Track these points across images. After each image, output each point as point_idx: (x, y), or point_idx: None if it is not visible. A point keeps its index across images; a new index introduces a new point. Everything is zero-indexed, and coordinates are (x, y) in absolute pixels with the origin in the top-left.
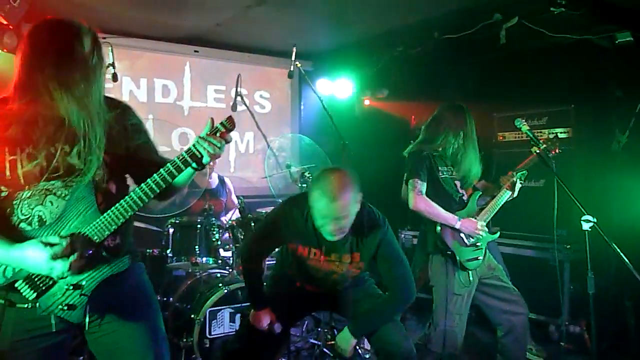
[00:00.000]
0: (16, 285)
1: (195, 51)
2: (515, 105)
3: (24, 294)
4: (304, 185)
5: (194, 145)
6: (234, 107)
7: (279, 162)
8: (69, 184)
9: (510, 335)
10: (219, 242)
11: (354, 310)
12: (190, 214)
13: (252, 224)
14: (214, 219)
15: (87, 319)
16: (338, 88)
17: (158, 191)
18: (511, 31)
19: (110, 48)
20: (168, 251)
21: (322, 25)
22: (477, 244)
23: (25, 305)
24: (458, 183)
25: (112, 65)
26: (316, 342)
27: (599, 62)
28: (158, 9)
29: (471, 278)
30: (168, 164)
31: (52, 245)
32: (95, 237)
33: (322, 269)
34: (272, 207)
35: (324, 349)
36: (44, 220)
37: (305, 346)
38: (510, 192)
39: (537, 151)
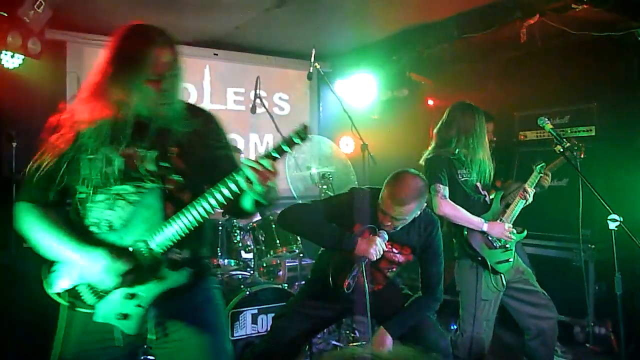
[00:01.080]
0: (77, 288)
1: (214, 54)
2: (536, 103)
3: (84, 298)
4: (324, 187)
5: (243, 166)
6: (253, 110)
7: (299, 163)
8: (140, 189)
9: (538, 339)
10: (240, 244)
11: (386, 311)
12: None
13: (273, 226)
14: (235, 220)
15: (149, 333)
16: (357, 88)
17: (213, 208)
18: (532, 29)
19: None
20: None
21: (340, 27)
22: (506, 245)
23: (85, 310)
24: (479, 185)
25: None
26: (338, 343)
27: (622, 59)
28: (177, 13)
29: (503, 282)
30: (216, 185)
31: (115, 259)
32: (158, 248)
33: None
34: None
35: None
36: (112, 225)
37: (327, 348)
38: (524, 200)
39: (561, 150)
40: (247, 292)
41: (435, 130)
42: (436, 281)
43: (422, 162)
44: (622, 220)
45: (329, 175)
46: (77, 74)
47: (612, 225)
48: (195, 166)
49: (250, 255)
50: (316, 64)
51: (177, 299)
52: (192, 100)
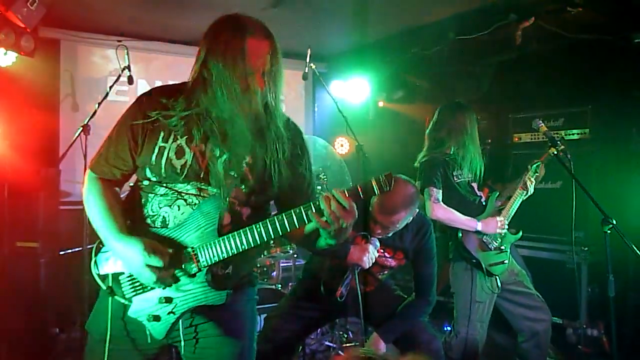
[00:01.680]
0: (120, 278)
1: None
2: (531, 106)
3: (123, 288)
4: (319, 187)
5: (319, 197)
6: None
7: None
8: (202, 192)
9: (532, 341)
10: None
11: (378, 313)
12: None
13: None
14: None
15: (182, 332)
16: (352, 89)
17: (274, 236)
18: (527, 32)
19: (125, 51)
20: None
21: (336, 27)
22: (502, 247)
23: (122, 300)
24: (475, 185)
25: (128, 68)
26: (331, 344)
27: (616, 62)
28: (172, 12)
29: (498, 284)
30: (284, 214)
31: (150, 253)
32: (203, 261)
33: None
34: None
35: (339, 352)
36: (167, 223)
37: (320, 349)
38: (525, 191)
39: (555, 152)
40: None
41: (427, 132)
42: (429, 284)
43: (416, 164)
44: (615, 223)
45: (323, 176)
46: (70, 72)
47: (605, 228)
48: (265, 183)
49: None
50: (312, 64)
51: (211, 310)
52: None
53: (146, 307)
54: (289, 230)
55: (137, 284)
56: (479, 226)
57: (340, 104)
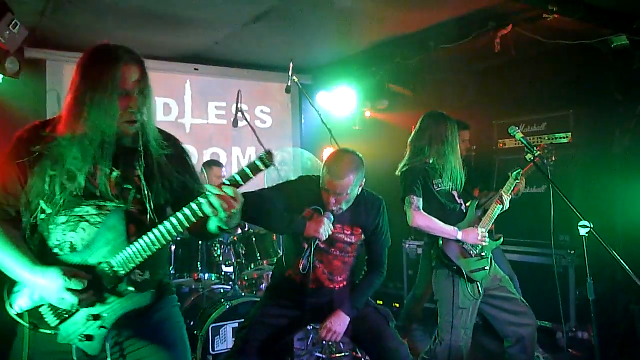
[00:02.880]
0: (40, 310)
1: (195, 69)
2: (514, 112)
3: (46, 319)
4: None
5: (204, 197)
6: (235, 123)
7: (281, 175)
8: (103, 211)
9: (517, 346)
10: (221, 258)
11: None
12: None
13: (254, 239)
14: None
15: (109, 353)
16: (338, 100)
17: (176, 233)
18: (506, 39)
19: None
20: (170, 268)
21: (319, 40)
22: (482, 253)
23: (48, 332)
24: (455, 193)
25: None
26: (321, 355)
27: (596, 66)
28: (157, 29)
29: (479, 290)
30: (179, 212)
31: (70, 277)
32: (120, 270)
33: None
34: None
35: None
36: (75, 247)
37: (310, 359)
38: (501, 206)
39: (532, 159)
40: (228, 306)
41: (409, 140)
42: (382, 257)
43: (398, 173)
44: (592, 226)
45: None
46: (57, 92)
47: (583, 232)
48: (159, 189)
49: (231, 269)
50: (295, 77)
51: (137, 319)
52: (173, 115)
53: (76, 330)
54: (188, 225)
55: (61, 311)
56: (460, 235)
57: (326, 115)
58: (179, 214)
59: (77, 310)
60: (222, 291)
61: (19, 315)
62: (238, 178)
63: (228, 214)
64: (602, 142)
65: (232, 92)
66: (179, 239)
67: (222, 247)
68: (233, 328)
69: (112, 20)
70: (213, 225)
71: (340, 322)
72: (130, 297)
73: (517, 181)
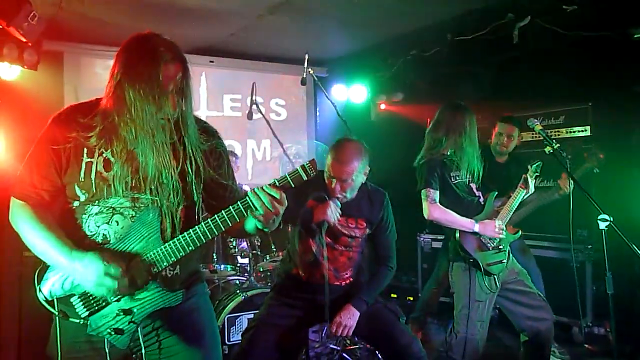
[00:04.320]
0: (71, 299)
1: (210, 61)
2: (531, 104)
3: (77, 310)
4: None
5: (251, 193)
6: (249, 116)
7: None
8: (137, 204)
9: (534, 341)
10: (236, 250)
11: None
12: None
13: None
14: None
15: (142, 344)
16: (353, 93)
17: (217, 233)
18: (524, 30)
19: None
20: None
21: (335, 32)
22: (500, 246)
23: (77, 321)
24: (474, 185)
25: None
26: (335, 347)
27: (615, 58)
28: (173, 22)
29: (497, 283)
30: (222, 212)
31: (109, 262)
32: (153, 267)
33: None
34: None
35: (344, 354)
36: (108, 239)
37: (324, 351)
38: (525, 190)
39: (551, 151)
40: (243, 297)
41: (426, 132)
42: (389, 251)
43: (415, 165)
44: (612, 220)
45: None
46: (74, 84)
47: (602, 225)
48: (193, 184)
49: (246, 260)
50: (310, 69)
51: (169, 312)
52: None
53: (106, 323)
54: (230, 225)
55: (91, 302)
56: (477, 227)
57: (341, 107)
58: (220, 215)
59: (108, 304)
60: (238, 282)
61: (48, 302)
62: (289, 180)
63: (270, 217)
64: (621, 135)
65: (247, 84)
66: None
67: (238, 238)
68: (248, 319)
69: (128, 13)
70: (251, 225)
71: (350, 316)
72: (161, 295)
73: (537, 174)
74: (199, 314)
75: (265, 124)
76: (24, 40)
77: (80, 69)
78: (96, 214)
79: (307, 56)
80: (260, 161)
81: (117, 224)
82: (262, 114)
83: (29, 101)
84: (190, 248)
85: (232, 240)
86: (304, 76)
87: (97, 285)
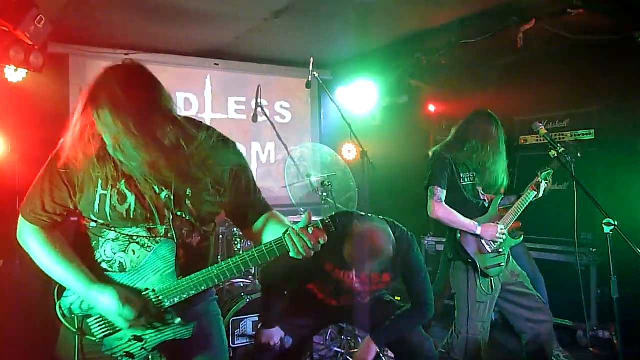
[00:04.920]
0: (88, 320)
1: (215, 64)
2: (536, 108)
3: (93, 330)
4: (324, 194)
5: (286, 236)
6: (254, 118)
7: (300, 171)
8: (153, 234)
9: (534, 344)
10: (241, 252)
11: (372, 322)
12: None
13: None
14: (235, 229)
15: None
16: (358, 95)
17: (237, 274)
18: (529, 34)
19: None
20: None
21: (340, 35)
22: (500, 249)
23: (93, 339)
24: (480, 189)
25: None
26: (340, 350)
27: (620, 62)
28: (178, 24)
29: (494, 285)
30: (253, 250)
31: (124, 303)
32: (165, 301)
33: (352, 286)
34: (293, 217)
35: (348, 357)
36: (124, 267)
37: (328, 354)
38: (535, 193)
39: (555, 155)
40: (248, 300)
41: (454, 129)
42: (423, 296)
43: (430, 153)
44: (616, 224)
45: (328, 183)
46: (80, 86)
47: (607, 229)
48: (210, 206)
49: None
50: (315, 72)
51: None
52: (193, 110)
53: (119, 345)
54: (259, 264)
55: (106, 326)
56: (479, 230)
57: (345, 110)
58: (250, 253)
59: (121, 329)
60: (242, 285)
61: (66, 319)
62: (319, 224)
63: (307, 254)
64: (626, 138)
65: (252, 87)
66: None
67: (242, 240)
68: (253, 322)
69: (134, 15)
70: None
71: (369, 352)
72: (172, 327)
73: (547, 181)
74: (208, 319)
75: (270, 127)
76: (31, 43)
77: (86, 71)
78: (113, 240)
79: (312, 59)
80: (264, 164)
81: (134, 253)
82: (267, 117)
83: (34, 104)
84: (202, 287)
85: (236, 242)
86: (309, 79)
87: (115, 319)
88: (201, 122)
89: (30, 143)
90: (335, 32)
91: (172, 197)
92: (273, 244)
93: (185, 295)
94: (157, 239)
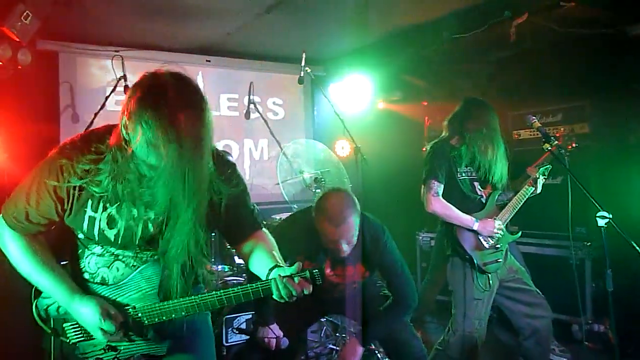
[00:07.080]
0: (64, 325)
1: (207, 61)
2: (529, 102)
3: (68, 334)
4: (318, 190)
5: (272, 281)
6: (247, 115)
7: (293, 168)
8: (140, 255)
9: (532, 339)
10: (234, 250)
11: (361, 311)
12: None
13: None
14: None
15: None
16: (351, 91)
17: (219, 306)
18: (522, 28)
19: (121, 61)
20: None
21: (332, 30)
22: (497, 245)
23: (67, 341)
24: (477, 184)
25: (124, 77)
26: (335, 347)
27: (613, 55)
28: (169, 21)
29: (491, 282)
30: (239, 288)
31: (104, 318)
32: (145, 320)
33: (329, 282)
34: (287, 214)
35: None
36: (106, 281)
37: (324, 351)
38: (533, 189)
39: (549, 148)
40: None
41: (446, 122)
42: (404, 288)
43: (427, 147)
44: (611, 217)
45: (321, 178)
46: (69, 84)
47: (602, 222)
48: (203, 243)
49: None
50: (307, 68)
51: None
52: None
53: (93, 351)
54: (242, 301)
55: (82, 333)
56: (476, 226)
57: (338, 106)
58: (227, 292)
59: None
60: (235, 283)
61: (42, 320)
62: (310, 279)
63: (289, 300)
64: (619, 132)
65: (244, 83)
66: None
67: None
68: (246, 319)
69: (124, 11)
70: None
71: (354, 352)
72: (148, 343)
73: (545, 176)
74: (195, 316)
75: (262, 124)
76: (18, 40)
77: (76, 68)
78: (98, 255)
79: (304, 55)
80: (257, 161)
81: (117, 270)
82: (259, 114)
83: (23, 101)
84: (183, 314)
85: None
86: (302, 75)
87: (94, 331)
88: (223, 155)
89: (19, 141)
90: (328, 27)
91: (164, 226)
92: (259, 286)
93: (164, 318)
94: (144, 259)
